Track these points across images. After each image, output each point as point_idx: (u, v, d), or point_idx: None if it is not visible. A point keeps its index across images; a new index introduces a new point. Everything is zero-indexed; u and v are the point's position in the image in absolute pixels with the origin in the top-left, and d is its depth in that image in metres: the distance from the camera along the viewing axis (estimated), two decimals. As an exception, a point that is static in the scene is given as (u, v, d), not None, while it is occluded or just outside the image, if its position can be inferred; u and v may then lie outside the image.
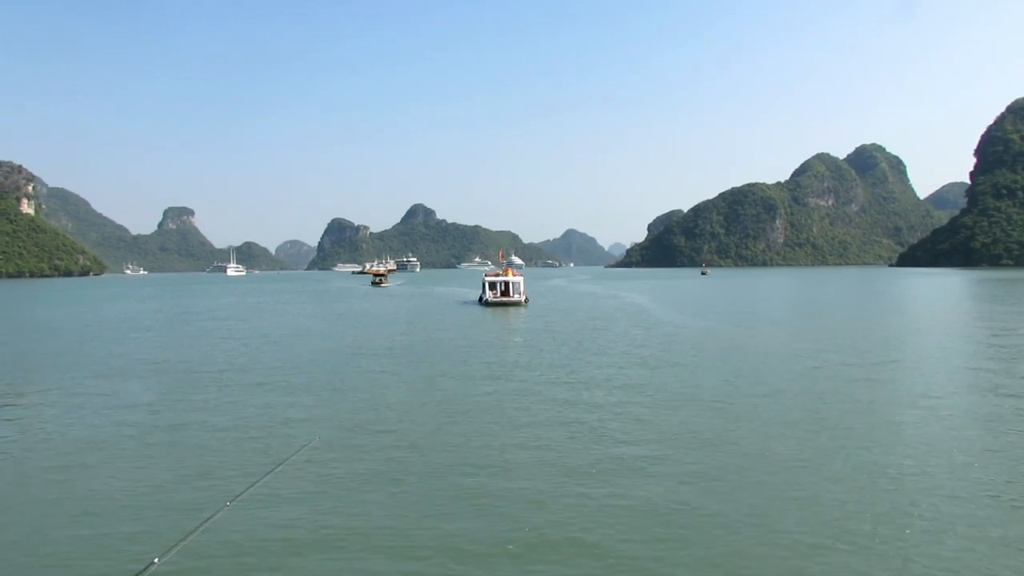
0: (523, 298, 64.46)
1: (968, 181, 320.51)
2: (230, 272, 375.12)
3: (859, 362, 26.39)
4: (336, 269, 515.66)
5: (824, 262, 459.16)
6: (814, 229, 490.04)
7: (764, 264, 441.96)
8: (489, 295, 63.88)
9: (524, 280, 67.90)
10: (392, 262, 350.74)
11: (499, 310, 58.60)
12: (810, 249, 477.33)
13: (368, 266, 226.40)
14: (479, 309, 60.68)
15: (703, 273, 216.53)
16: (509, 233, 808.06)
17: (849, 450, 14.28)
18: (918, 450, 14.20)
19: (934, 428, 16.12)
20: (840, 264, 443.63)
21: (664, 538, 10.02)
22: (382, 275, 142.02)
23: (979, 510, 10.90)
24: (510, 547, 9.80)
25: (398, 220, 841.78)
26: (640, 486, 12.20)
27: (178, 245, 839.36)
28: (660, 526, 10.44)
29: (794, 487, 12.07)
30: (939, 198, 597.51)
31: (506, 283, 65.32)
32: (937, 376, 23.47)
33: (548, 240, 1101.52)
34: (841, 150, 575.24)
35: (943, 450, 14.25)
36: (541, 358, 28.21)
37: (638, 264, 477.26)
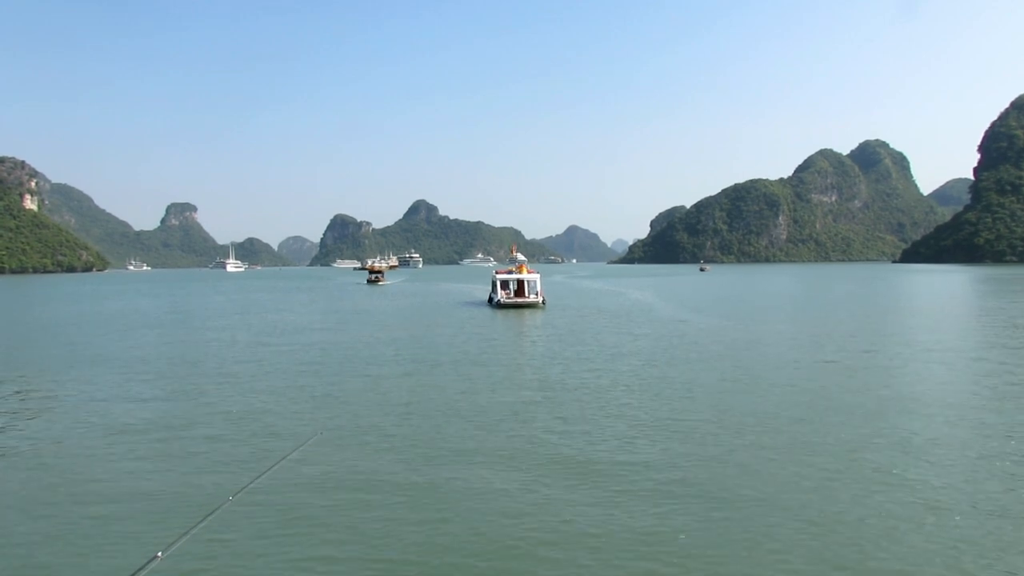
0: (540, 299, 57.13)
1: (972, 177, 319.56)
2: (229, 268, 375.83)
3: (869, 359, 26.35)
4: (335, 265, 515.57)
5: (827, 258, 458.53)
6: (817, 225, 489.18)
7: (767, 260, 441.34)
8: (501, 295, 56.96)
9: (540, 278, 60.29)
10: (394, 258, 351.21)
11: (512, 312, 51.73)
12: (813, 245, 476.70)
13: (370, 262, 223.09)
14: (489, 311, 54.10)
15: (702, 270, 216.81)
16: (511, 229, 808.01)
17: (876, 459, 14.24)
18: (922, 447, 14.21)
19: (944, 428, 16.10)
20: (843, 260, 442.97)
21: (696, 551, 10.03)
22: (379, 272, 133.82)
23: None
24: (514, 547, 9.80)
25: (400, 216, 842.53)
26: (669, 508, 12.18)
27: (181, 241, 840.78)
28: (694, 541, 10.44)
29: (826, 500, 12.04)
30: (942, 194, 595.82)
31: (520, 281, 58.23)
32: (944, 373, 23.44)
33: (551, 236, 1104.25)
34: (844, 146, 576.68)
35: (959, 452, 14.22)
36: (564, 363, 27.13)
37: (641, 260, 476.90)
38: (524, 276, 59.02)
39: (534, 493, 11.66)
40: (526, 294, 57.75)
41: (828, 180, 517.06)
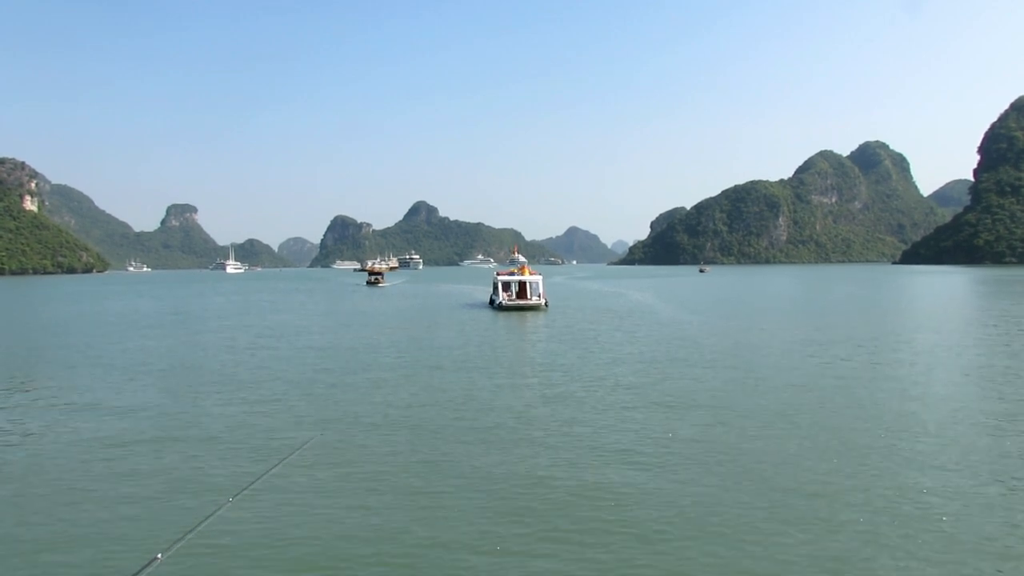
0: (543, 301, 55.97)
1: (972, 178, 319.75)
2: (229, 269, 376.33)
3: (870, 361, 26.37)
4: (335, 266, 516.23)
5: (827, 259, 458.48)
6: (817, 226, 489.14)
7: (767, 261, 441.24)
8: (503, 297, 55.75)
9: (543, 280, 59.26)
10: (395, 259, 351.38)
11: (514, 314, 50.81)
12: (813, 246, 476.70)
13: (370, 264, 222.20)
14: (491, 313, 53.30)
15: (702, 271, 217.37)
16: (512, 230, 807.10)
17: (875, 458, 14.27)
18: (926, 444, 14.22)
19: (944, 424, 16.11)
20: (843, 261, 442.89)
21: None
22: (378, 273, 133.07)
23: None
24: (514, 552, 9.81)
25: (400, 217, 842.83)
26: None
27: (181, 242, 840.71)
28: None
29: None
30: (942, 195, 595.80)
31: (522, 283, 57.18)
32: (941, 372, 23.45)
33: (551, 237, 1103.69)
34: (844, 147, 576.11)
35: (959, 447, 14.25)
36: (567, 365, 26.72)
37: (641, 262, 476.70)
38: (526, 278, 57.82)
39: (535, 498, 11.66)
40: (528, 296, 56.50)
41: (828, 181, 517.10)
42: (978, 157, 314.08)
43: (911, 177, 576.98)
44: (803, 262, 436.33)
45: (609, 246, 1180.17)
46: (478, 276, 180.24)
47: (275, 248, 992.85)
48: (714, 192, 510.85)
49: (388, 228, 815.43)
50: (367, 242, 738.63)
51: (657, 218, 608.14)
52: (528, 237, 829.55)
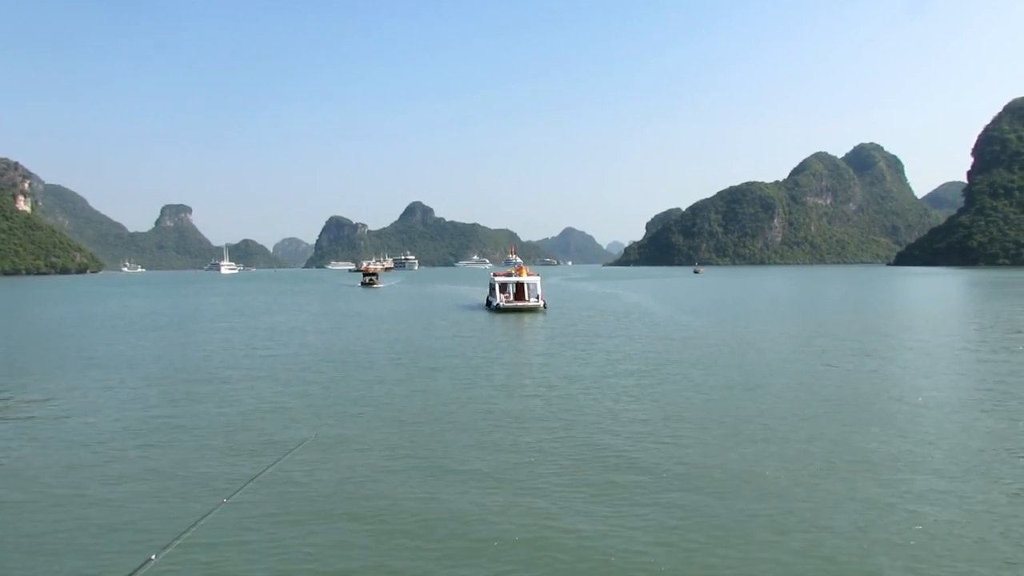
0: (541, 302, 55.14)
1: (965, 180, 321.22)
2: (224, 270, 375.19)
3: (865, 362, 26.44)
4: (330, 267, 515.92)
5: (822, 261, 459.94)
6: (812, 228, 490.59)
7: (762, 263, 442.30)
8: (500, 299, 54.87)
9: (541, 281, 58.19)
10: (390, 260, 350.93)
11: (512, 316, 49.99)
12: (808, 248, 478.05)
13: (365, 264, 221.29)
14: (488, 315, 52.57)
15: (696, 272, 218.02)
16: (507, 231, 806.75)
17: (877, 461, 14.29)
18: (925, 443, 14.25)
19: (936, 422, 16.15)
20: (838, 263, 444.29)
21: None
22: (373, 274, 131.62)
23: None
24: (509, 555, 9.79)
25: (396, 218, 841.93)
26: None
27: (175, 243, 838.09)
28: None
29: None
30: (936, 197, 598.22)
31: (519, 284, 56.17)
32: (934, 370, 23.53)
33: (546, 238, 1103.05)
34: (839, 149, 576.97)
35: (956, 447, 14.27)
36: (566, 368, 26.76)
37: (636, 262, 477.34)
38: (524, 279, 56.63)
39: (532, 502, 11.65)
40: (526, 297, 55.51)
41: (823, 183, 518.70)
42: (972, 159, 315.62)
43: (905, 179, 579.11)
44: (798, 263, 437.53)
45: (605, 247, 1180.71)
46: (474, 277, 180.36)
47: (270, 249, 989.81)
48: (710, 193, 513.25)
49: (383, 229, 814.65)
50: (362, 243, 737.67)
51: (653, 219, 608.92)
52: (524, 238, 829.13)
